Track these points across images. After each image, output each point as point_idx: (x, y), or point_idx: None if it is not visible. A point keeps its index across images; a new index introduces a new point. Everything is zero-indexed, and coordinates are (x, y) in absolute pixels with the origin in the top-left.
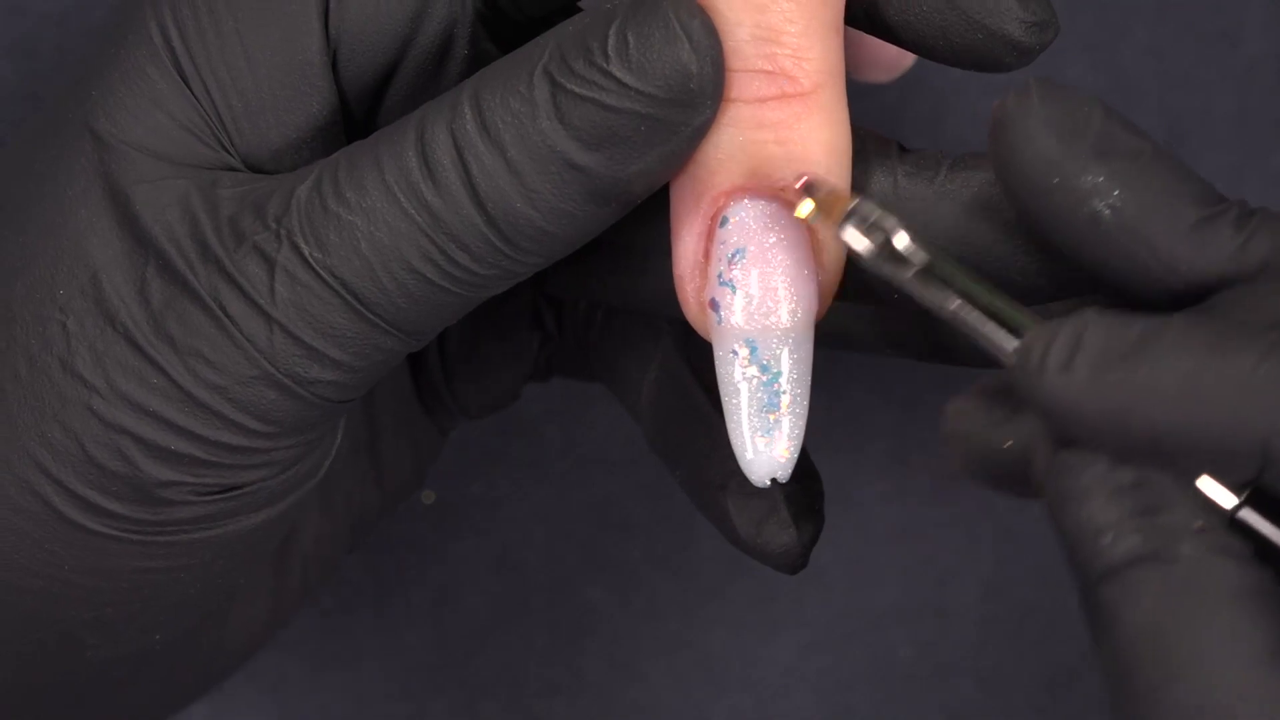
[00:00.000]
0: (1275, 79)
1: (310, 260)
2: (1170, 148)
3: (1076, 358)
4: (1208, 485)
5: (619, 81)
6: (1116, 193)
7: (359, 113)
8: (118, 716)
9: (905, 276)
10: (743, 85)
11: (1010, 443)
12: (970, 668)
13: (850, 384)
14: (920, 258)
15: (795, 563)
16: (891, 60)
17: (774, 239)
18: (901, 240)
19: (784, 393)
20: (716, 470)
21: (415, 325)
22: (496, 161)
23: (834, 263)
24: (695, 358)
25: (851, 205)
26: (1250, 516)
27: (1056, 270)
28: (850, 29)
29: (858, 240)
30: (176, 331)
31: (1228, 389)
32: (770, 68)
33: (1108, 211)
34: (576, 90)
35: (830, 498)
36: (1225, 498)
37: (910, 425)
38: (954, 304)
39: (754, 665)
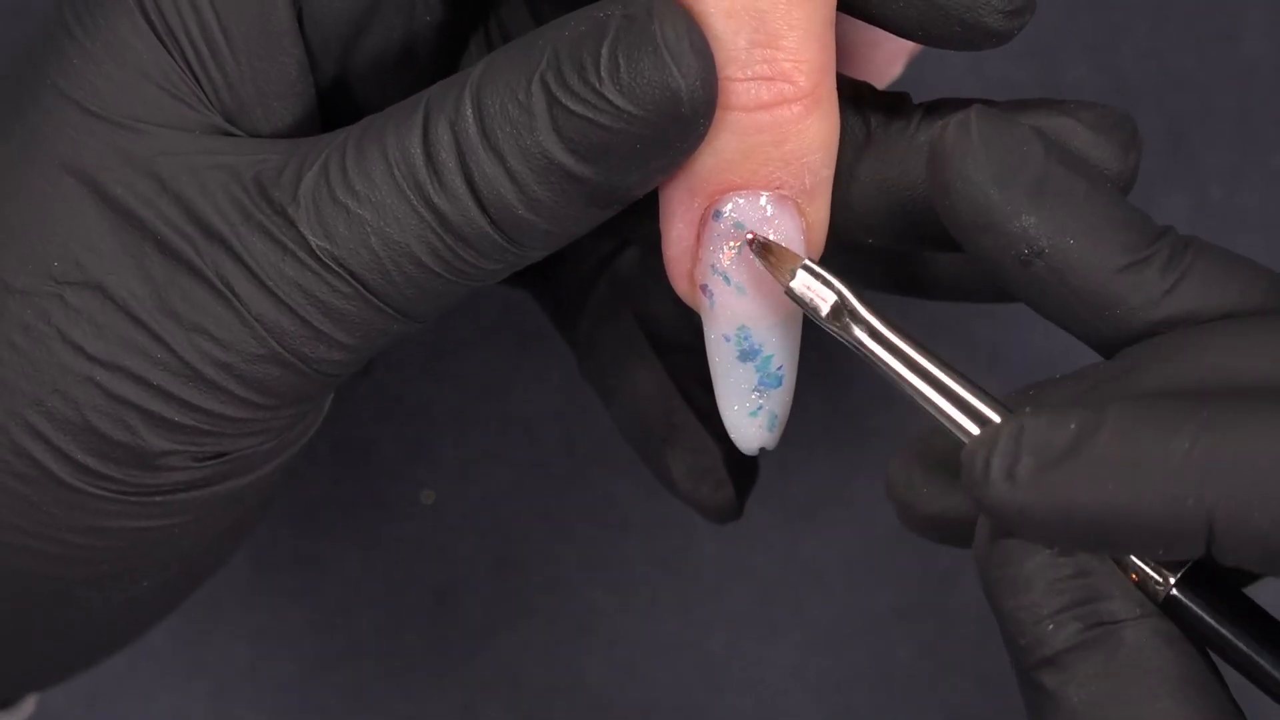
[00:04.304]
0: (1275, 79)
1: (318, 250)
2: (1170, 148)
3: (1018, 465)
4: (1143, 570)
5: (611, 103)
6: (1046, 238)
7: (328, 66)
8: (98, 645)
9: (854, 338)
10: (742, 94)
11: (950, 511)
12: (970, 668)
13: (850, 384)
14: (866, 322)
15: (729, 517)
16: (880, 68)
17: (768, 231)
18: (850, 303)
19: (774, 373)
20: (659, 422)
21: (422, 311)
22: (497, 170)
23: (819, 239)
24: (645, 296)
25: (799, 266)
26: (1184, 597)
27: None
28: (841, 33)
29: (808, 297)
30: (180, 307)
31: (1166, 476)
32: (770, 73)
33: (1037, 258)
34: (571, 107)
35: (830, 498)
36: (1161, 582)
37: (910, 425)
38: (906, 375)
39: (754, 666)
